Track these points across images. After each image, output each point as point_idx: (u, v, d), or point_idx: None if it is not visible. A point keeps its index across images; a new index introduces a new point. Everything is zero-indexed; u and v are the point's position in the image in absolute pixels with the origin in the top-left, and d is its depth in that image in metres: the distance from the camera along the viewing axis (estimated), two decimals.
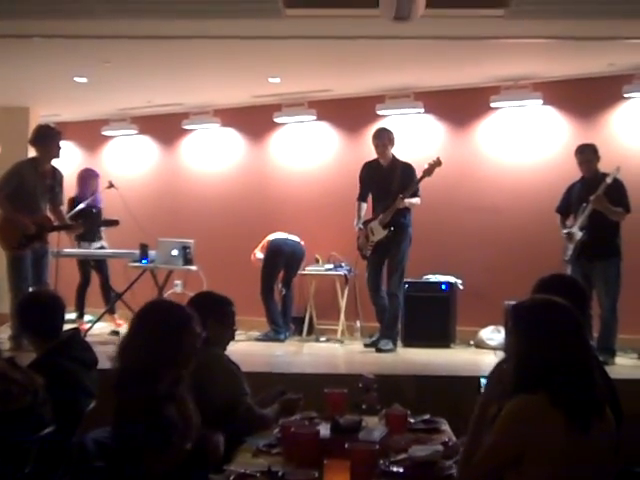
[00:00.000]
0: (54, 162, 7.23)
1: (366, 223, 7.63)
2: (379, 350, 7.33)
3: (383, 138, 7.64)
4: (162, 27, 6.63)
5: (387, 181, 7.52)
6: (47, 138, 7.14)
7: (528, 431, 2.38)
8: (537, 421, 2.39)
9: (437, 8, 5.83)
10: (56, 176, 7.23)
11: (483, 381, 2.61)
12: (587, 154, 6.93)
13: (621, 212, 6.73)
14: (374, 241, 7.53)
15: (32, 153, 7.38)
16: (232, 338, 4.03)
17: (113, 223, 7.96)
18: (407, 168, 7.59)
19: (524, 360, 2.53)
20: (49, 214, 7.22)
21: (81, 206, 8.18)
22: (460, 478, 2.52)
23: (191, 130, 10.22)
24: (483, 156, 8.80)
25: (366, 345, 7.67)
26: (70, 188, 8.35)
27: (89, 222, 8.02)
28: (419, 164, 7.64)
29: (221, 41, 6.99)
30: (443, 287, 8.13)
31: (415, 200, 7.52)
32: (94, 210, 8.20)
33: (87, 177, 8.71)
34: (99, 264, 8.53)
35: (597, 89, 8.20)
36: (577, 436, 2.38)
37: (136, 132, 10.54)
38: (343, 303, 8.39)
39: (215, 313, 3.86)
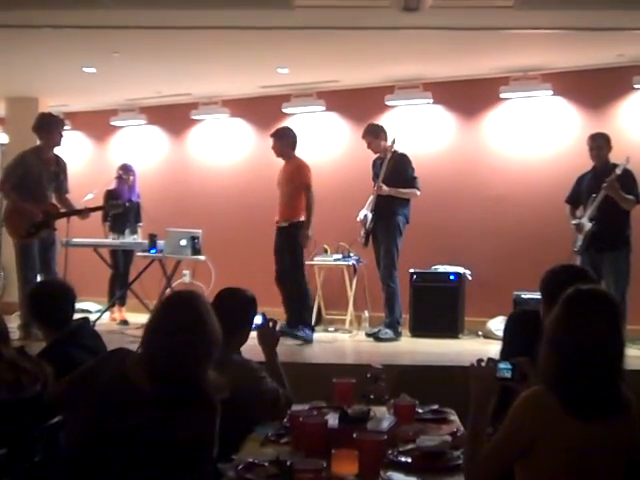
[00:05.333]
0: (57, 150, 7.24)
1: None
2: (377, 339, 7.42)
3: (365, 136, 7.81)
4: (171, 17, 6.62)
5: (380, 171, 7.64)
6: (50, 125, 7.14)
7: (535, 421, 2.38)
8: (543, 411, 2.38)
9: None
10: (60, 164, 7.24)
11: (501, 365, 2.60)
12: (598, 140, 6.89)
13: (633, 199, 6.70)
14: (368, 229, 7.65)
15: None
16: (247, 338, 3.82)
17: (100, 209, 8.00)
18: (399, 158, 7.67)
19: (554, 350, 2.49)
20: (55, 202, 7.23)
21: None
22: (468, 473, 2.51)
23: (200, 120, 10.21)
24: (492, 147, 8.78)
25: (367, 335, 7.77)
26: (82, 180, 8.34)
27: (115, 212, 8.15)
28: (428, 155, 7.64)
29: (230, 31, 6.98)
30: (452, 278, 8.12)
31: (406, 190, 7.55)
32: (127, 204, 8.17)
33: (123, 172, 8.83)
34: (126, 256, 8.63)
35: (607, 80, 8.17)
36: (584, 426, 2.37)
37: (145, 122, 10.54)
38: (351, 293, 8.38)
39: (243, 314, 3.75)
